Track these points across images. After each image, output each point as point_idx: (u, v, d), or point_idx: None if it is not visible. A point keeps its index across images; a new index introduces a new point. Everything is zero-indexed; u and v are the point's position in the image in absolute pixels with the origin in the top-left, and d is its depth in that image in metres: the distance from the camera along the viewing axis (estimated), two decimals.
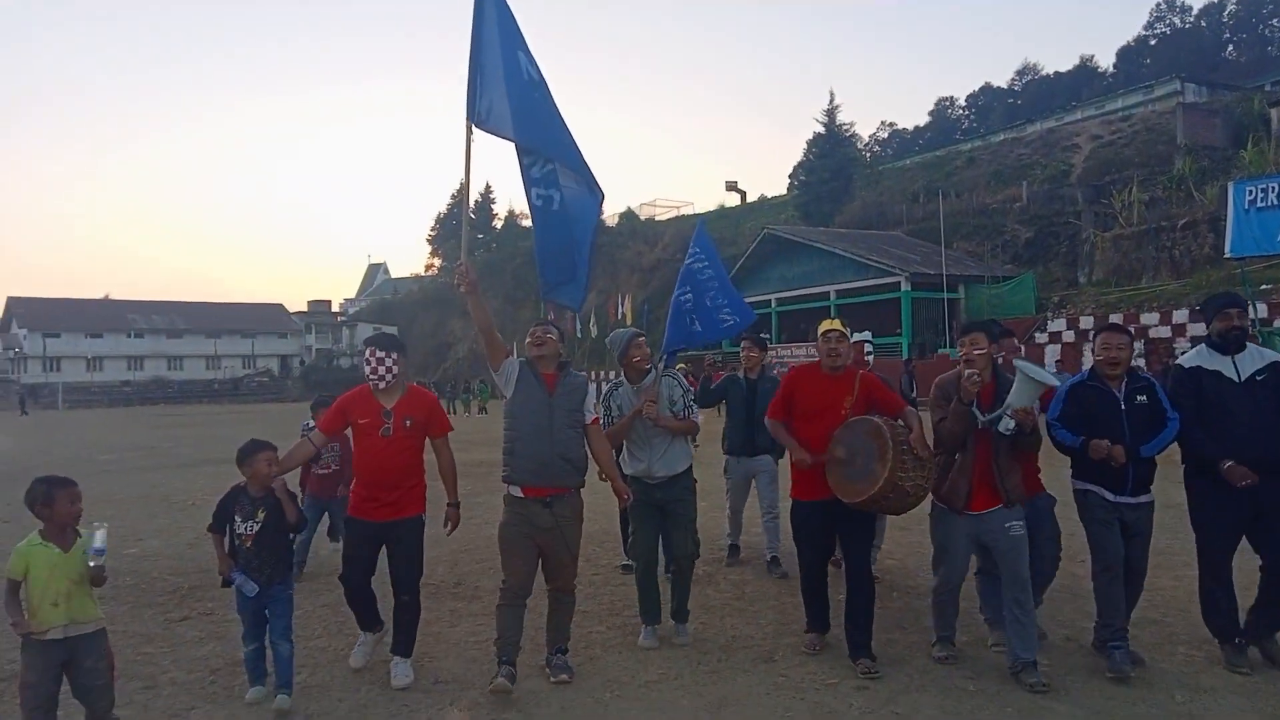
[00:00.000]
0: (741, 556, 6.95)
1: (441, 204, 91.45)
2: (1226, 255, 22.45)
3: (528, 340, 4.54)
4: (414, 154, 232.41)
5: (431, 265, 79.47)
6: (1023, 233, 31.58)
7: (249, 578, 4.17)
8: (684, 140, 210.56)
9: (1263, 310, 19.29)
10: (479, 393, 37.96)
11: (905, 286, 29.16)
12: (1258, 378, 4.42)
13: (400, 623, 4.57)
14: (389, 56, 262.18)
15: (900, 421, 4.54)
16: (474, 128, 4.53)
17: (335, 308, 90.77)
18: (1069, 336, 23.47)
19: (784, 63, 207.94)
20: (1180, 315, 21.56)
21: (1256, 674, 4.33)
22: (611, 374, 33.45)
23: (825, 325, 4.80)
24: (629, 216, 64.98)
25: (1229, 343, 4.48)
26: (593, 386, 4.78)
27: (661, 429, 5.02)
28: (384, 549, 4.60)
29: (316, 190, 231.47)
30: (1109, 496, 4.55)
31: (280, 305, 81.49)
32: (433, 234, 77.93)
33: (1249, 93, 37.33)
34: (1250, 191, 22.27)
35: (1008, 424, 4.25)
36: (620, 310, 45.89)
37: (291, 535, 4.36)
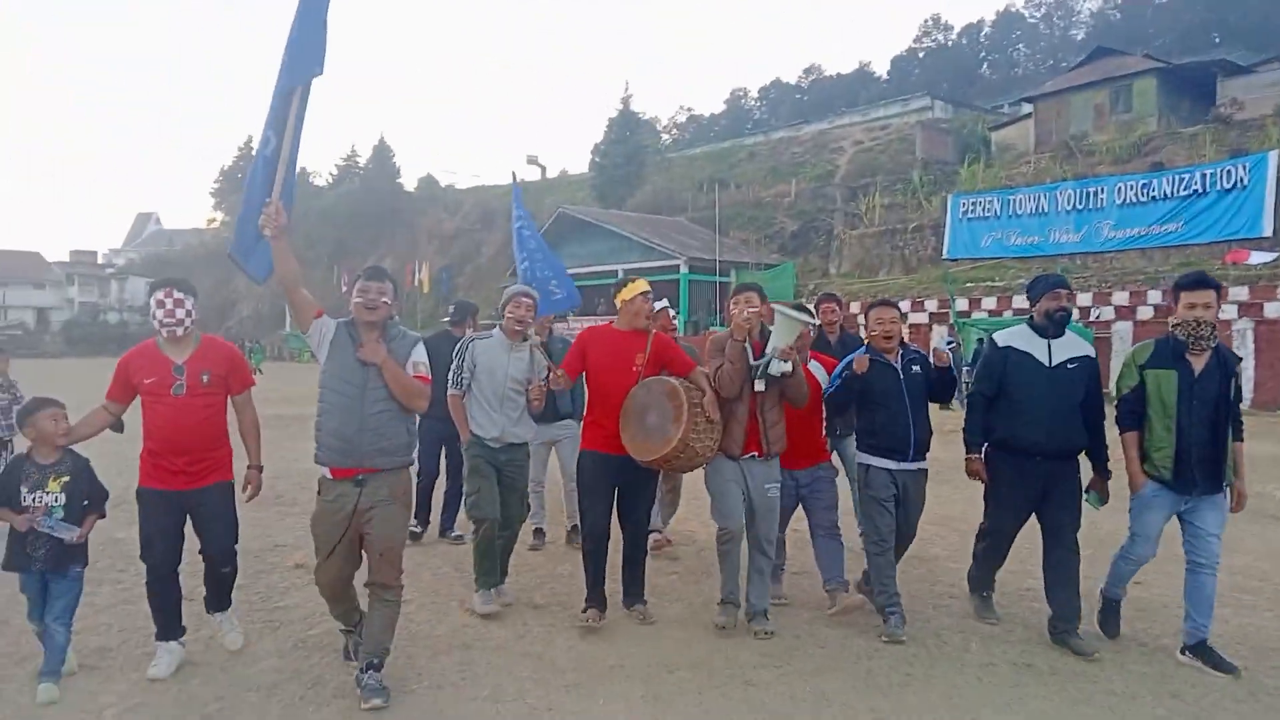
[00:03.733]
0: (548, 540, 6.59)
1: (226, 156, 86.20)
2: (944, 256, 26.50)
3: (357, 300, 3.86)
4: (189, 99, 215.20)
5: (214, 220, 75.31)
6: (789, 225, 34.98)
7: (62, 525, 3.83)
8: (487, 110, 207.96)
9: (963, 304, 22.96)
10: (252, 355, 37.04)
11: (684, 269, 31.64)
12: (1069, 365, 4.50)
13: (216, 585, 4.27)
14: None
15: (692, 382, 4.63)
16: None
17: (99, 259, 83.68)
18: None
19: (589, 38, 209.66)
20: (904, 305, 25.17)
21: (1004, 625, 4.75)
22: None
23: (639, 285, 4.81)
24: (429, 181, 64.21)
25: (1052, 323, 4.54)
26: (421, 346, 4.13)
27: (519, 393, 4.95)
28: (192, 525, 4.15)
29: (76, 129, 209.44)
30: (890, 466, 4.73)
31: (37, 253, 74.37)
32: (216, 186, 73.85)
33: (985, 113, 42.93)
34: (964, 204, 26.36)
35: (779, 366, 4.43)
36: (416, 277, 45.89)
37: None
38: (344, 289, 41.01)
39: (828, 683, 4.06)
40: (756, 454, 4.62)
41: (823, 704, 3.85)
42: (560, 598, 5.33)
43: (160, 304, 3.97)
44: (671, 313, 6.42)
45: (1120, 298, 20.21)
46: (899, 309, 4.99)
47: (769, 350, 4.47)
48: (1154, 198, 21.87)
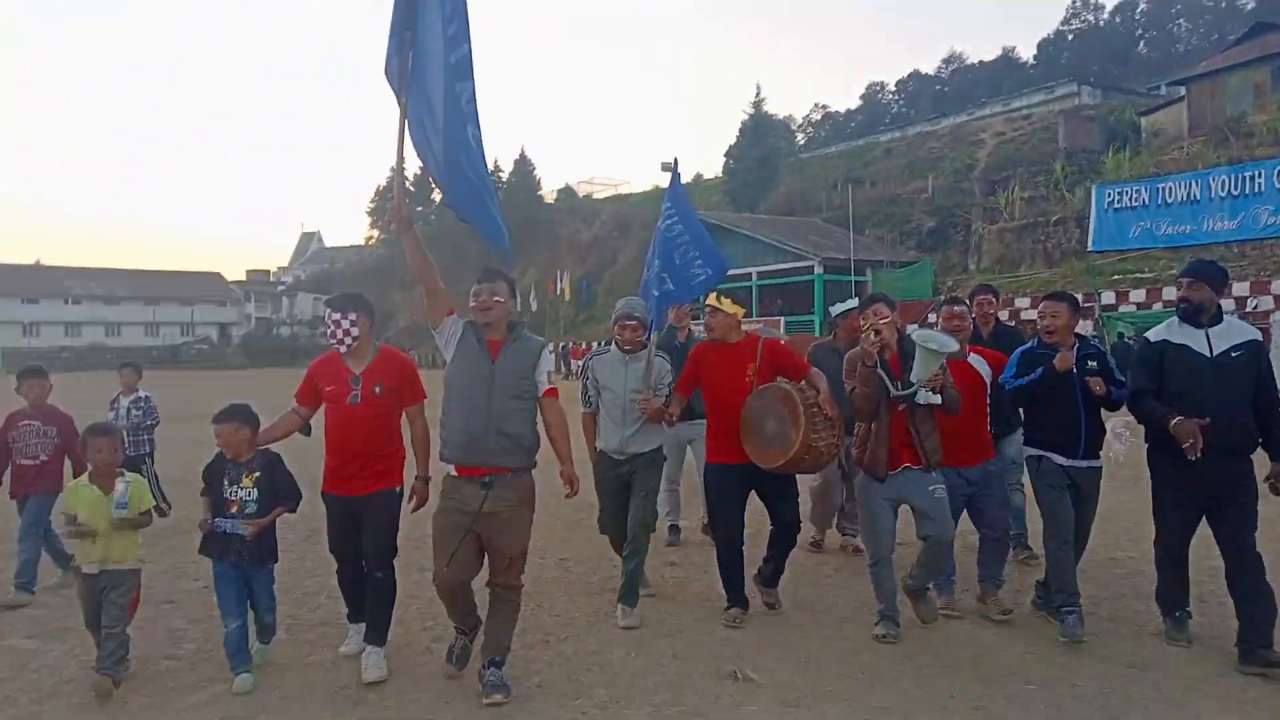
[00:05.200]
0: (683, 538, 6.59)
1: (381, 176, 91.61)
2: (1089, 249, 25.80)
3: (471, 304, 3.98)
4: (348, 120, 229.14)
5: (371, 237, 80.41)
6: (926, 222, 34.64)
7: (235, 521, 4.02)
8: (622, 118, 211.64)
9: (1109, 298, 22.40)
10: None
11: (818, 270, 31.91)
12: (1232, 354, 4.19)
13: (373, 603, 4.23)
14: (323, 21, 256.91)
15: (806, 384, 4.67)
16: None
17: (271, 278, 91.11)
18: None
19: (721, 39, 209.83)
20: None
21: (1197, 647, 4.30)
22: (560, 345, 35.12)
23: (716, 301, 4.89)
24: (567, 193, 66.48)
25: (1191, 312, 4.27)
26: (549, 354, 4.34)
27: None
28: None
29: (247, 156, 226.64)
30: (1061, 461, 4.55)
31: (218, 274, 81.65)
32: (372, 205, 78.82)
33: (1138, 96, 41.03)
34: (1109, 194, 25.59)
35: (926, 396, 4.34)
36: (559, 286, 47.71)
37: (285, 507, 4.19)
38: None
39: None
40: (913, 465, 4.44)
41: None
42: (698, 592, 5.38)
43: (326, 323, 4.18)
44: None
45: (1278, 287, 19.32)
46: (1072, 302, 4.71)
47: (914, 379, 4.31)
48: None
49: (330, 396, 4.17)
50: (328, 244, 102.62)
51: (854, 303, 6.06)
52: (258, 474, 4.08)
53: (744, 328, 5.05)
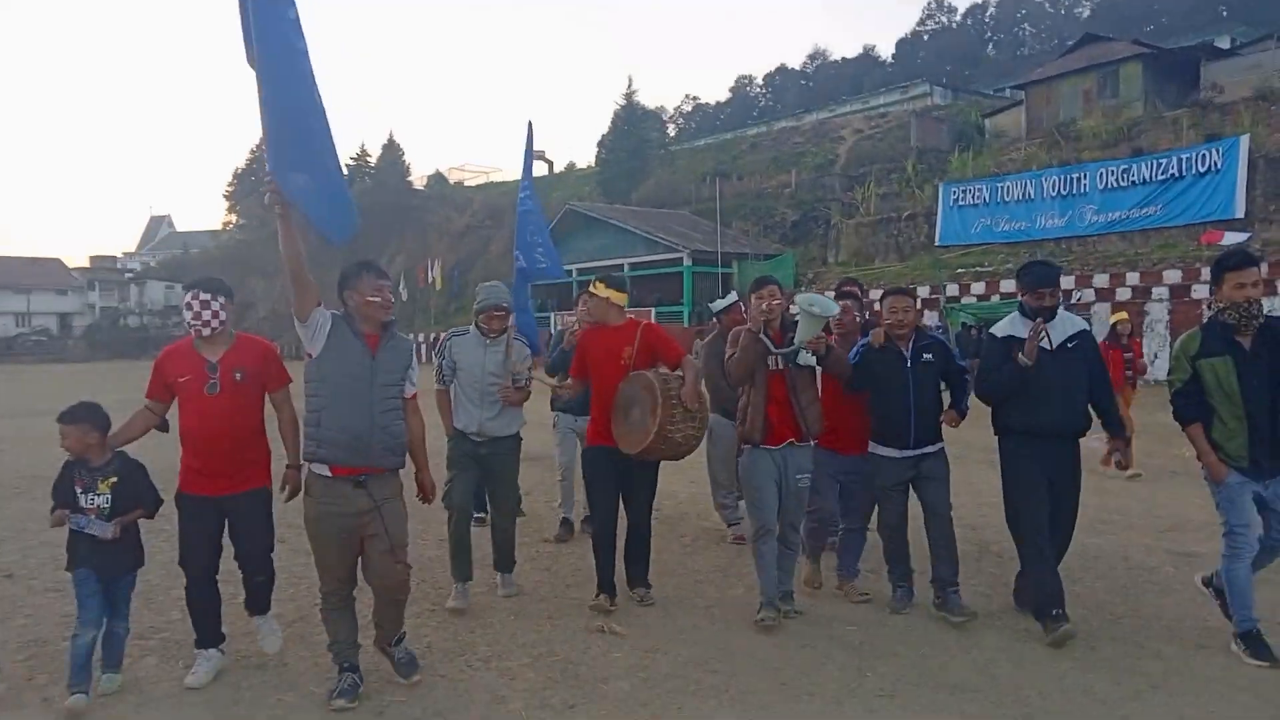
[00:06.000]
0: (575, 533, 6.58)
1: (240, 158, 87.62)
2: (936, 244, 27.41)
3: (371, 298, 3.79)
4: (202, 100, 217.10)
5: (229, 222, 76.71)
6: (789, 215, 35.81)
7: (98, 523, 3.78)
8: (495, 106, 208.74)
9: (953, 290, 23.88)
10: None
11: (687, 261, 32.60)
12: (1069, 345, 4.47)
13: (254, 592, 4.21)
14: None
15: (678, 373, 4.74)
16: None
17: (118, 264, 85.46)
18: None
19: (596, 28, 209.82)
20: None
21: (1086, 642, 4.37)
22: (432, 336, 34.43)
23: (593, 288, 5.03)
24: (438, 180, 65.23)
25: (1037, 316, 4.51)
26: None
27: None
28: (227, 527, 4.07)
29: (90, 134, 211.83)
30: (893, 454, 4.78)
31: (58, 260, 76.23)
32: (230, 189, 75.21)
33: (984, 98, 43.62)
34: (955, 192, 27.22)
35: (806, 357, 4.51)
36: (430, 274, 46.81)
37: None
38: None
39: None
40: (794, 440, 4.61)
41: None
42: (572, 565, 5.81)
43: (189, 305, 3.92)
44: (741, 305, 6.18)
45: (1100, 280, 21.09)
46: (913, 297, 4.95)
47: (797, 342, 4.49)
48: (1133, 182, 22.74)
49: (185, 388, 3.91)
50: (179, 228, 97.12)
51: (734, 297, 6.37)
52: (114, 480, 3.85)
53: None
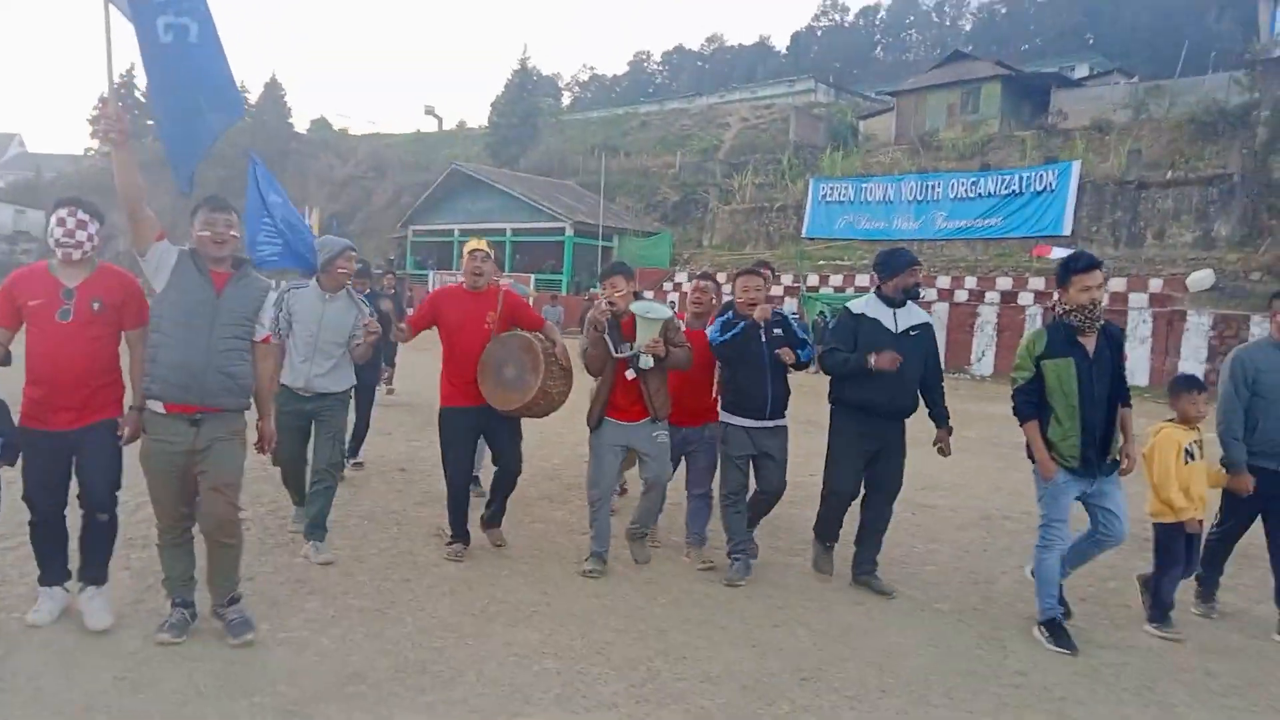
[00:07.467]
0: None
1: (105, 82, 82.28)
2: (803, 235, 29.01)
3: (202, 233, 3.71)
4: (60, 15, 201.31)
5: (91, 148, 72.17)
6: (671, 196, 36.84)
7: None
8: (387, 56, 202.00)
9: (814, 280, 25.44)
10: None
11: (569, 232, 33.17)
12: (911, 332, 4.82)
13: (92, 545, 3.92)
14: None
15: (545, 336, 5.05)
16: None
17: None
18: (688, 287, 28.84)
19: None
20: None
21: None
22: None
23: (472, 245, 5.15)
24: (321, 124, 63.46)
25: (905, 296, 4.90)
26: (273, 295, 4.13)
27: (336, 345, 5.03)
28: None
29: None
30: (747, 424, 5.01)
31: None
32: (95, 113, 70.70)
33: (863, 99, 45.84)
34: (823, 188, 28.81)
35: (645, 360, 4.80)
36: (307, 222, 45.67)
37: None
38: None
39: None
40: (646, 418, 4.94)
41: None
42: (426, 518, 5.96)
43: (61, 222, 3.66)
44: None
45: (943, 282, 22.95)
46: (763, 276, 5.20)
47: (635, 346, 4.80)
48: (980, 194, 24.76)
49: (35, 312, 3.66)
50: (30, 149, 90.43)
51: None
52: None
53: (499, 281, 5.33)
